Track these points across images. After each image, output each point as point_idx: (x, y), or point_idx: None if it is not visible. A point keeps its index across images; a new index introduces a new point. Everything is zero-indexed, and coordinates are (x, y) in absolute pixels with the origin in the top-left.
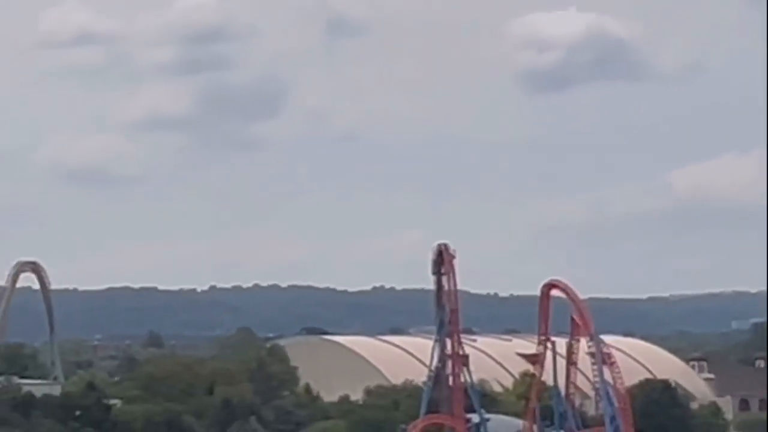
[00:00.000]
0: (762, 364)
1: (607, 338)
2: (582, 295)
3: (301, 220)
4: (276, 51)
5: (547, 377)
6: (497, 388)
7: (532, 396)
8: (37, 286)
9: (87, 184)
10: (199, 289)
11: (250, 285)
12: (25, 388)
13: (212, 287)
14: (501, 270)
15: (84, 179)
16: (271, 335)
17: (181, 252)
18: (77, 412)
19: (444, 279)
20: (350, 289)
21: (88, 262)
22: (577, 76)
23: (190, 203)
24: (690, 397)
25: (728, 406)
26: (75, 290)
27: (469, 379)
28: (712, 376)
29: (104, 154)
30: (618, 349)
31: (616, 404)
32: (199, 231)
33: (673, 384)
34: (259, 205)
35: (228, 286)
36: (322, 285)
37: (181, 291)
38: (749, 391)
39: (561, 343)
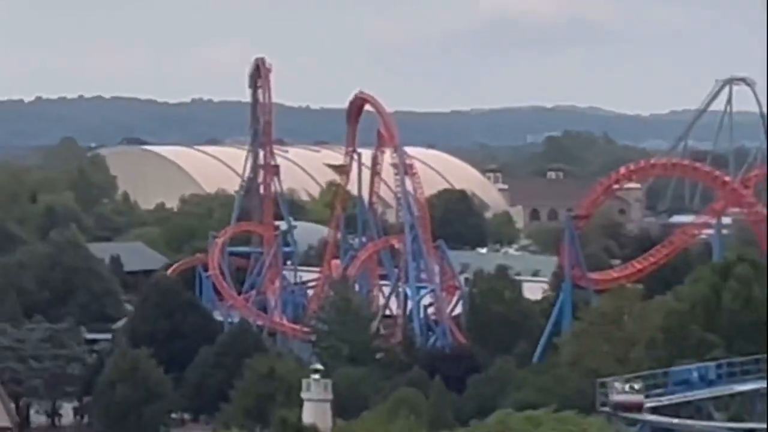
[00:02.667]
0: (553, 175)
1: (410, 150)
2: (388, 109)
3: (124, 32)
4: None
5: (353, 187)
6: (305, 197)
7: (337, 205)
8: None
9: None
10: (25, 100)
11: (74, 96)
12: None
13: (38, 98)
14: (314, 83)
15: None
16: (93, 145)
17: (6, 62)
18: None
19: (259, 92)
20: (170, 101)
21: None
22: None
23: (15, 12)
24: (485, 206)
25: (520, 216)
26: None
27: (279, 189)
28: (506, 186)
29: None
30: (420, 161)
31: (416, 213)
32: (24, 41)
33: (469, 194)
34: (84, 15)
35: (53, 97)
36: (144, 96)
37: (7, 101)
38: (540, 201)
39: (367, 155)
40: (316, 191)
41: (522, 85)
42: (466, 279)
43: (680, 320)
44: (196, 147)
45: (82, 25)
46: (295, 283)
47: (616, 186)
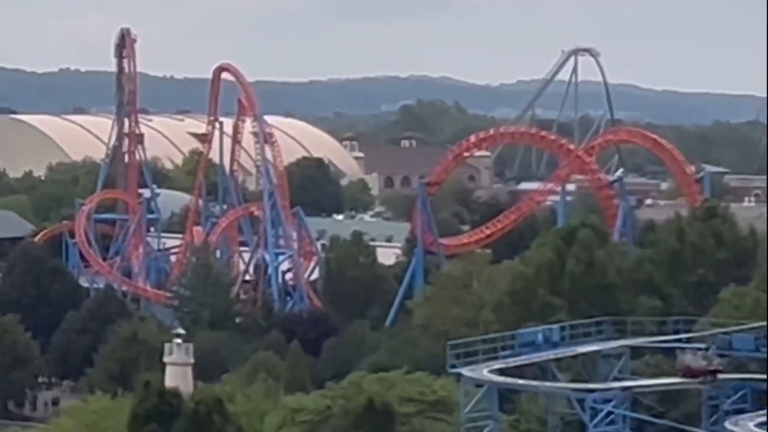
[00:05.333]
0: (407, 143)
1: (270, 119)
2: (249, 78)
3: None
4: None
5: (215, 155)
6: (169, 166)
7: (199, 173)
8: None
9: None
10: None
11: None
12: None
13: None
14: (177, 53)
15: None
16: None
17: None
18: None
19: (125, 62)
20: (38, 70)
21: None
22: None
23: None
24: (341, 174)
25: (374, 183)
26: None
27: (143, 157)
28: (361, 154)
29: None
30: (279, 129)
31: (275, 181)
32: None
33: (326, 162)
34: None
35: None
36: (11, 66)
37: None
38: (394, 168)
39: (229, 124)
40: (179, 159)
41: (377, 55)
42: (323, 245)
43: (526, 284)
44: (63, 116)
45: None
46: (159, 250)
47: (466, 154)
